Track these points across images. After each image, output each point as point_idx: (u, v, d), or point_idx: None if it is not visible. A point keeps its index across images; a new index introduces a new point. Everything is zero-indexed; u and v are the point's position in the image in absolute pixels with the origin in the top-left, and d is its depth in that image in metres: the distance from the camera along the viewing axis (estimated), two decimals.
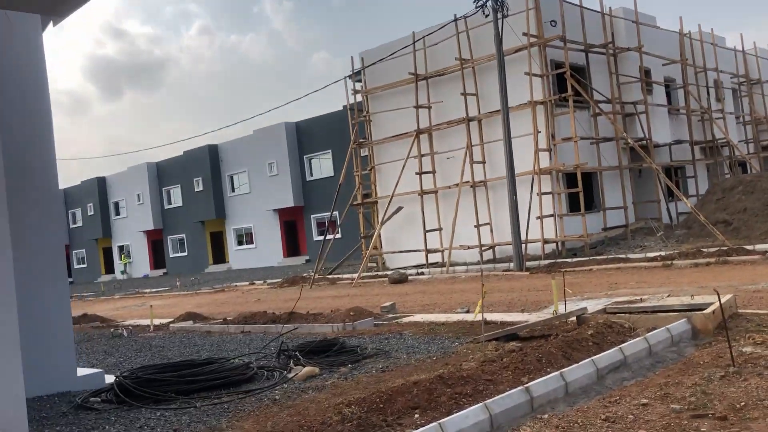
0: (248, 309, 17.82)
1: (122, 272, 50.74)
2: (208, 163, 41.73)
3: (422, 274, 20.60)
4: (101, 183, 51.53)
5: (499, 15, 17.79)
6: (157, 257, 48.54)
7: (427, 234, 22.13)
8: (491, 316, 10.45)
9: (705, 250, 15.43)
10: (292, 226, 38.66)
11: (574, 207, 20.34)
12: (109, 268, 53.05)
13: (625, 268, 15.64)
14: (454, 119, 21.69)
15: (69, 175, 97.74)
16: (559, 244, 19.65)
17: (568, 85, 19.43)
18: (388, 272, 21.76)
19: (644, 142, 22.34)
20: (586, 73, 21.51)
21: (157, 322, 16.09)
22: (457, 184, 21.02)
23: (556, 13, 19.97)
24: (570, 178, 20.14)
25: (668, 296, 10.13)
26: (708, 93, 26.81)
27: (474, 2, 17.98)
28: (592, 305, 10.17)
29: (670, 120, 24.79)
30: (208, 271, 42.68)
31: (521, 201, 18.55)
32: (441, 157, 22.38)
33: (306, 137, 36.78)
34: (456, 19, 21.15)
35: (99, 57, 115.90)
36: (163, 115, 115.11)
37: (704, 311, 6.86)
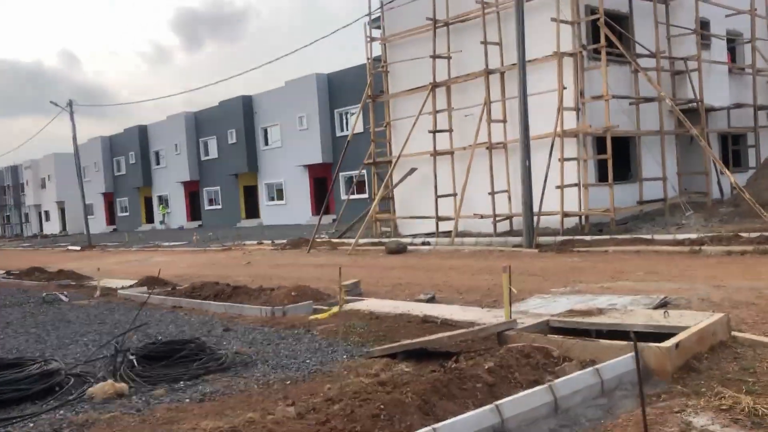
0: (226, 273, 16.40)
1: (161, 222, 50.58)
2: (242, 114, 40.35)
3: (427, 244, 18.61)
4: (142, 131, 51.11)
5: None
6: (194, 209, 48.00)
7: (438, 200, 20.01)
8: (439, 310, 8.54)
9: (745, 234, 12.85)
10: (321, 184, 37.01)
11: (605, 176, 17.78)
12: (150, 218, 53.04)
13: (645, 251, 13.25)
14: (474, 72, 19.27)
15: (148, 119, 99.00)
16: (583, 218, 17.23)
17: (601, 34, 16.71)
18: (397, 239, 19.86)
19: (695, 104, 19.40)
20: (629, 22, 18.62)
21: (120, 284, 14.96)
22: (470, 145, 18.74)
23: None
24: (602, 143, 17.53)
25: (663, 305, 7.94)
26: None
27: None
28: (552, 309, 8.11)
29: (730, 80, 21.60)
30: (240, 226, 41.75)
31: (540, 167, 16.22)
32: (459, 114, 20.07)
33: (338, 90, 34.74)
34: None
35: (183, 8, 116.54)
36: (241, 67, 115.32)
37: (664, 343, 4.72)
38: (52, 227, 67.23)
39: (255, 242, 25.32)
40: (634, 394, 4.43)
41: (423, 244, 18.69)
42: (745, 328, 6.44)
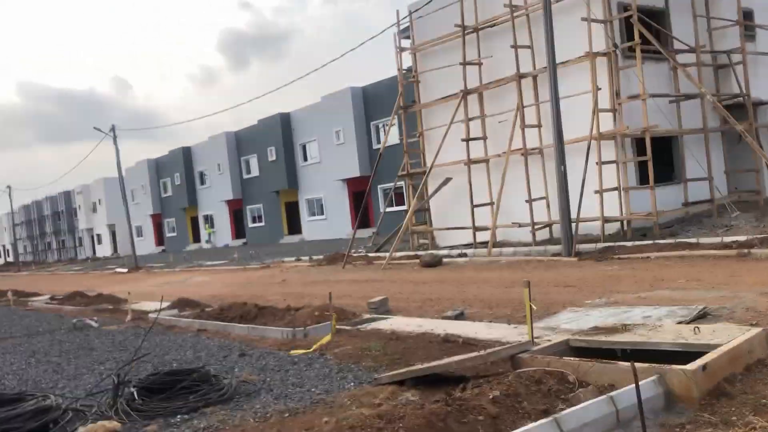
0: (260, 292, 16.29)
1: (207, 241, 51.25)
2: (280, 131, 40.59)
3: (464, 255, 18.16)
4: (186, 152, 51.98)
5: None
6: (238, 227, 48.48)
7: (475, 209, 19.54)
8: (464, 329, 8.14)
9: None
10: (360, 197, 36.84)
11: (646, 178, 17.01)
12: (197, 237, 53.81)
13: (689, 256, 12.55)
14: (506, 77, 18.79)
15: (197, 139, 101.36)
16: (624, 223, 16.52)
17: (635, 31, 16.06)
18: (433, 251, 19.46)
19: (741, 99, 18.49)
20: (666, 17, 17.88)
21: (154, 306, 14.98)
22: (505, 152, 18.24)
23: None
24: (642, 144, 16.77)
25: (701, 316, 7.37)
26: None
27: None
28: (583, 323, 7.63)
29: None
30: (282, 242, 41.94)
31: (577, 172, 15.63)
32: (493, 120, 19.60)
33: (373, 102, 34.57)
34: None
35: (229, 29, 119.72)
36: (295, 84, 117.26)
37: (690, 365, 4.25)
38: (104, 250, 68.95)
39: (293, 259, 25.24)
40: (657, 423, 3.98)
41: (459, 255, 18.24)
42: None
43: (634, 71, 16.20)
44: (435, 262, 16.97)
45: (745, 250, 11.72)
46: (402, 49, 22.36)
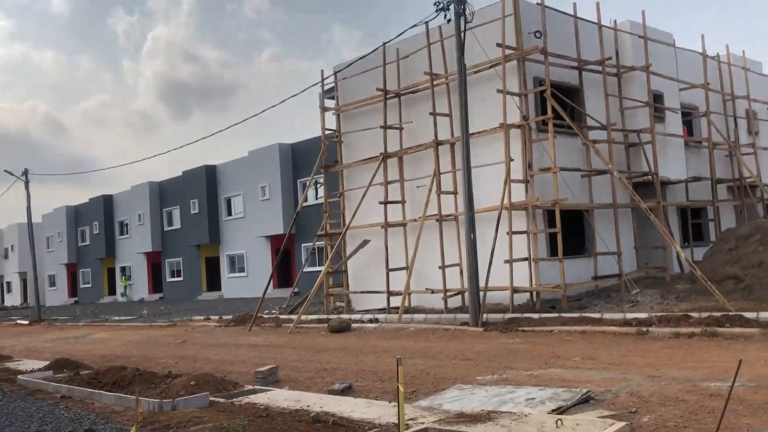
0: (154, 353, 15.31)
1: (122, 294, 49.02)
2: (205, 184, 39.69)
3: (375, 321, 17.64)
4: (108, 201, 50.18)
5: (463, 21, 14.97)
6: (156, 281, 46.62)
7: (391, 273, 19.17)
8: (341, 406, 7.60)
9: (695, 315, 12.09)
10: (284, 255, 36.07)
11: (559, 250, 17.06)
12: (112, 289, 51.46)
13: (591, 332, 12.41)
14: (425, 143, 18.81)
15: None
16: (534, 294, 16.42)
17: (548, 106, 16.38)
18: (341, 316, 18.86)
19: (650, 177, 19.01)
20: (580, 94, 18.39)
21: (33, 365, 13.86)
22: (420, 217, 18.07)
23: (540, 23, 16.98)
24: (554, 216, 16.86)
25: (584, 401, 7.07)
26: (736, 124, 23.27)
27: (435, 5, 15.21)
28: (465, 403, 7.25)
29: (688, 153, 21.35)
30: (200, 298, 40.44)
31: (490, 240, 15.53)
32: (411, 185, 19.50)
33: (301, 160, 34.25)
34: (427, 25, 18.31)
35: (171, 79, 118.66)
36: (229, 137, 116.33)
37: None
38: (14, 299, 65.15)
39: (202, 318, 24.16)
40: None
41: (371, 321, 17.71)
42: None
43: (547, 144, 16.43)
44: (343, 328, 16.38)
45: (644, 329, 11.65)
46: (326, 109, 22.25)
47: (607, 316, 13.56)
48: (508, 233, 16.04)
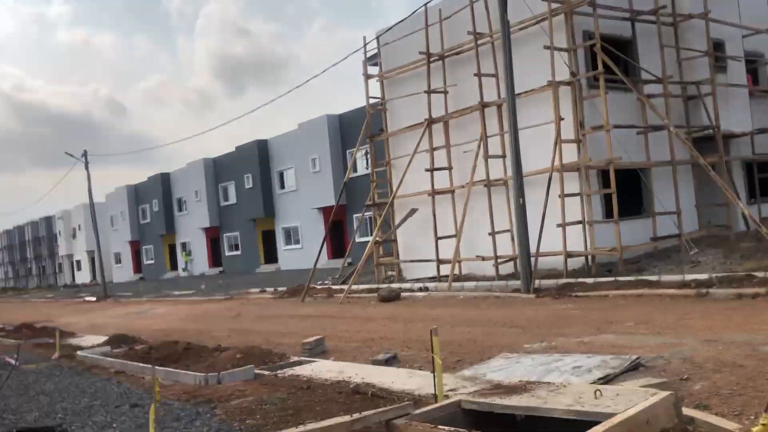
0: (208, 327, 15.56)
1: (184, 269, 50.31)
2: (257, 158, 40.04)
3: (425, 289, 17.45)
4: (165, 179, 51.31)
5: None
6: (215, 255, 47.62)
7: (440, 241, 18.90)
8: (383, 377, 7.46)
9: (760, 274, 11.43)
10: (337, 226, 36.17)
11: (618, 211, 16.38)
12: (174, 265, 52.89)
13: (647, 295, 11.90)
14: (470, 106, 18.30)
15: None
16: (589, 258, 15.89)
17: (599, 60, 15.62)
18: (391, 286, 18.76)
19: (711, 131, 18.03)
20: (633, 47, 17.48)
21: (94, 341, 14.29)
22: (468, 183, 17.66)
23: None
24: (610, 176, 16.15)
25: (634, 368, 6.72)
26: None
27: None
28: (510, 373, 7.00)
29: (753, 104, 20.15)
30: (259, 271, 41.11)
31: (538, 205, 15.05)
32: (458, 150, 19.07)
33: (349, 130, 34.06)
34: None
35: (225, 56, 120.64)
36: (281, 111, 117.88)
37: None
38: (84, 276, 67.80)
39: (257, 290, 24.48)
40: None
41: (420, 290, 17.54)
42: (715, 403, 5.21)
43: (599, 102, 15.71)
44: (392, 297, 16.27)
45: (704, 290, 11.09)
46: (369, 76, 21.91)
47: (665, 278, 12.99)
48: (560, 196, 15.50)
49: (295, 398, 6.71)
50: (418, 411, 4.68)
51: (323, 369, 8.49)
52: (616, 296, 12.24)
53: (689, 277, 12.53)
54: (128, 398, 7.71)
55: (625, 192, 16.81)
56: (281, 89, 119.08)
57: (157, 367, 9.53)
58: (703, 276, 12.18)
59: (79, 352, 12.02)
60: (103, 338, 13.92)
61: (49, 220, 76.46)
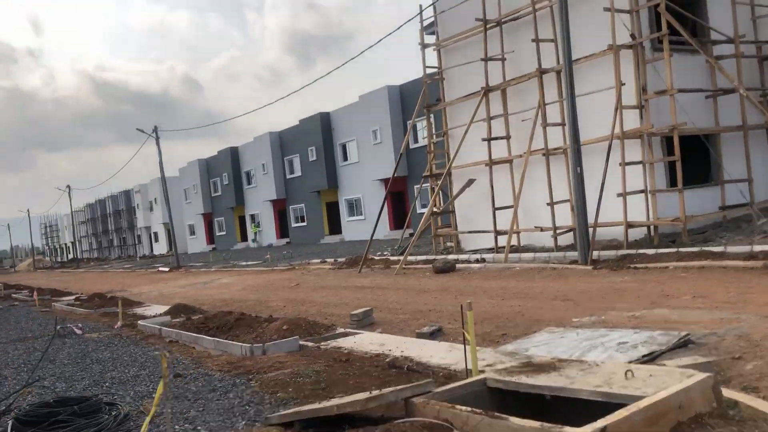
0: (267, 297, 15.94)
1: (253, 240, 51.58)
2: (320, 131, 40.35)
3: (482, 261, 17.27)
4: (234, 153, 52.46)
5: None
6: (283, 226, 48.58)
7: (498, 212, 18.61)
8: (424, 350, 7.45)
9: None
10: (398, 197, 36.19)
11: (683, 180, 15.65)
12: (244, 236, 54.28)
13: (710, 267, 11.39)
14: (528, 73, 17.78)
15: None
16: (651, 228, 15.32)
17: (662, 21, 14.83)
18: (446, 257, 18.66)
19: None
20: (702, 5, 16.52)
21: (157, 311, 14.85)
22: (525, 153, 17.25)
23: None
24: (673, 143, 15.43)
25: (683, 344, 6.46)
26: None
27: None
28: (553, 348, 6.86)
29: None
30: (323, 242, 41.73)
31: (599, 174, 14.57)
32: (516, 119, 18.62)
33: (409, 101, 33.79)
34: None
35: (295, 30, 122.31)
36: (349, 84, 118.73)
37: (587, 427, 3.45)
38: (161, 248, 70.56)
39: (318, 261, 24.85)
40: None
41: (477, 261, 17.37)
42: (766, 385, 4.93)
43: (663, 65, 14.95)
44: (447, 268, 16.18)
45: None
46: (426, 45, 21.57)
47: (730, 249, 12.38)
48: (620, 164, 14.95)
49: (331, 371, 6.78)
50: (440, 389, 4.63)
51: (366, 341, 8.55)
52: (676, 268, 11.77)
53: (757, 248, 11.90)
54: (174, 368, 7.97)
55: (692, 159, 16.07)
56: (363, 61, 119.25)
57: (208, 337, 9.87)
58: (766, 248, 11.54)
59: (140, 322, 12.53)
60: (166, 308, 14.47)
61: (128, 194, 79.70)
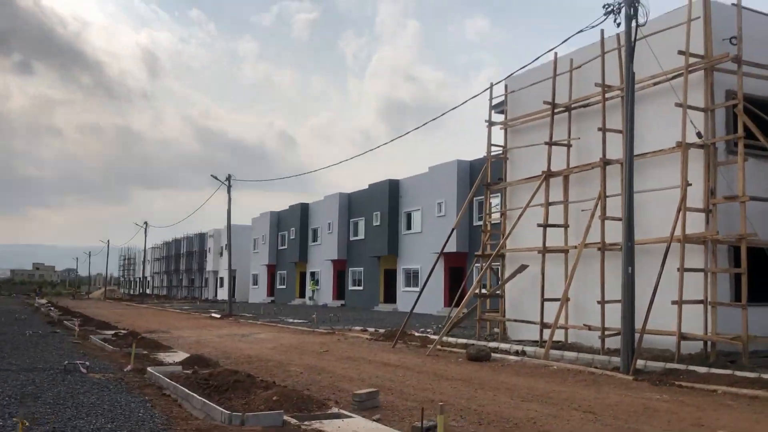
0: (289, 359, 15.44)
1: (310, 298, 51.47)
2: (387, 198, 40.30)
3: (522, 353, 16.22)
4: (304, 209, 53.14)
5: (634, 23, 13.22)
6: (340, 288, 48.30)
7: (545, 303, 17.58)
8: None
9: None
10: (457, 273, 35.28)
11: (752, 295, 14.31)
12: (302, 292, 54.30)
13: (764, 398, 10.07)
14: (592, 162, 17.02)
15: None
16: (708, 344, 13.95)
17: (739, 123, 13.89)
18: (482, 344, 17.62)
19: None
20: None
21: (175, 359, 14.62)
22: (579, 244, 16.31)
23: (735, 28, 14.51)
24: (749, 254, 14.12)
25: None
26: None
27: (603, 7, 13.61)
28: None
29: None
30: (376, 309, 41.07)
31: (654, 276, 13.49)
32: (576, 208, 17.77)
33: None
34: (602, 33, 16.61)
35: (392, 99, 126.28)
36: (435, 151, 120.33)
37: None
38: (224, 293, 71.56)
39: (360, 328, 24.22)
40: None
41: (517, 353, 16.32)
42: None
43: (736, 169, 13.91)
44: (481, 357, 15.22)
45: None
46: (492, 124, 21.18)
47: None
48: (679, 270, 13.82)
49: None
50: None
51: (352, 428, 7.85)
52: (726, 393, 10.50)
53: None
54: (143, 424, 7.52)
55: (763, 274, 14.69)
56: (440, 134, 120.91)
57: (197, 396, 9.39)
58: None
59: (149, 368, 12.23)
60: (181, 357, 14.17)
61: (202, 237, 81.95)
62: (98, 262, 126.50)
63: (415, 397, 10.55)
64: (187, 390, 9.80)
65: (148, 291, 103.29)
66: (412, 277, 39.14)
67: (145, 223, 65.56)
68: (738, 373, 11.74)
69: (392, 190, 40.37)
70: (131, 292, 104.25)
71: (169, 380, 10.79)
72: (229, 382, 10.38)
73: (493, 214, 23.29)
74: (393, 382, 12.05)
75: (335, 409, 8.98)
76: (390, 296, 41.63)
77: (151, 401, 9.23)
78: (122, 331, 21.99)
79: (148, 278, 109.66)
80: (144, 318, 34.90)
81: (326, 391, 11.03)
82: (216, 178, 37.95)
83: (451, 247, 34.06)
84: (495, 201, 30.62)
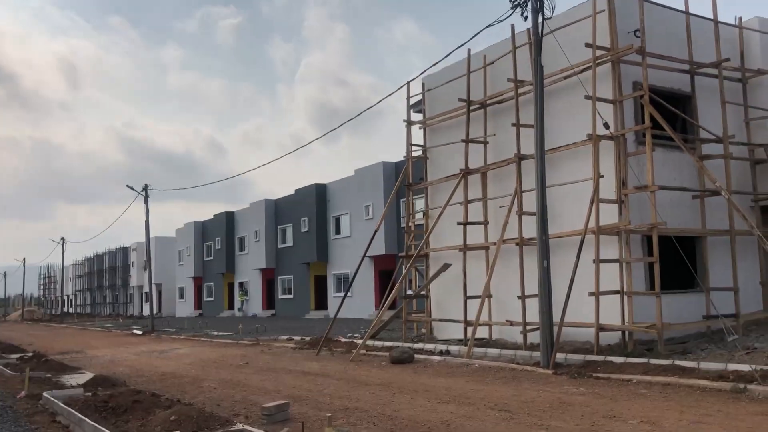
0: (205, 375, 14.70)
1: (239, 309, 50.20)
2: (314, 202, 39.69)
3: (446, 353, 15.99)
4: (230, 217, 51.84)
5: (540, 17, 13.19)
6: (270, 297, 47.29)
7: (468, 301, 17.44)
8: None
9: None
10: (388, 276, 34.98)
11: (666, 283, 14.50)
12: (231, 304, 52.93)
13: (675, 385, 10.10)
14: (509, 158, 17.00)
15: None
16: (626, 334, 14.05)
17: (645, 114, 14.08)
18: (404, 346, 17.31)
19: None
20: (692, 102, 15.81)
21: (77, 381, 13.74)
22: (498, 240, 16.23)
23: (645, 21, 14.72)
24: (661, 243, 14.29)
25: None
26: None
27: (510, 1, 13.52)
28: None
29: None
30: (308, 317, 40.33)
31: (568, 270, 13.48)
32: (494, 205, 17.72)
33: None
34: (512, 28, 16.62)
35: (323, 104, 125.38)
36: (368, 158, 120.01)
37: None
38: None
39: (285, 338, 23.58)
40: None
41: (441, 353, 16.09)
42: None
43: (656, 161, 14.04)
44: (404, 359, 14.91)
45: (741, 386, 9.25)
46: (411, 123, 20.99)
47: (704, 365, 11.11)
48: (594, 261, 13.87)
49: None
50: None
51: None
52: (639, 383, 10.49)
53: (731, 366, 10.63)
54: None
55: (676, 263, 14.93)
56: (374, 138, 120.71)
57: (89, 421, 8.67)
58: (743, 368, 10.27)
59: (45, 393, 11.34)
60: (85, 378, 13.29)
61: (125, 251, 78.95)
62: (18, 283, 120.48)
63: (330, 406, 10.10)
64: (80, 415, 9.06)
65: (70, 310, 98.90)
66: (342, 283, 38.61)
67: (62, 238, 62.66)
68: (653, 361, 11.81)
69: (319, 195, 39.78)
70: (52, 312, 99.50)
71: (63, 405, 9.99)
72: (128, 403, 9.70)
73: (417, 215, 23.08)
74: (310, 392, 11.57)
75: (240, 426, 8.42)
76: (321, 303, 40.98)
77: (37, 430, 8.44)
78: (29, 354, 20.67)
79: (70, 296, 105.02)
80: (61, 339, 33.11)
81: (238, 406, 10.47)
82: (132, 188, 36.49)
83: (380, 250, 33.76)
84: (422, 202, 30.49)
